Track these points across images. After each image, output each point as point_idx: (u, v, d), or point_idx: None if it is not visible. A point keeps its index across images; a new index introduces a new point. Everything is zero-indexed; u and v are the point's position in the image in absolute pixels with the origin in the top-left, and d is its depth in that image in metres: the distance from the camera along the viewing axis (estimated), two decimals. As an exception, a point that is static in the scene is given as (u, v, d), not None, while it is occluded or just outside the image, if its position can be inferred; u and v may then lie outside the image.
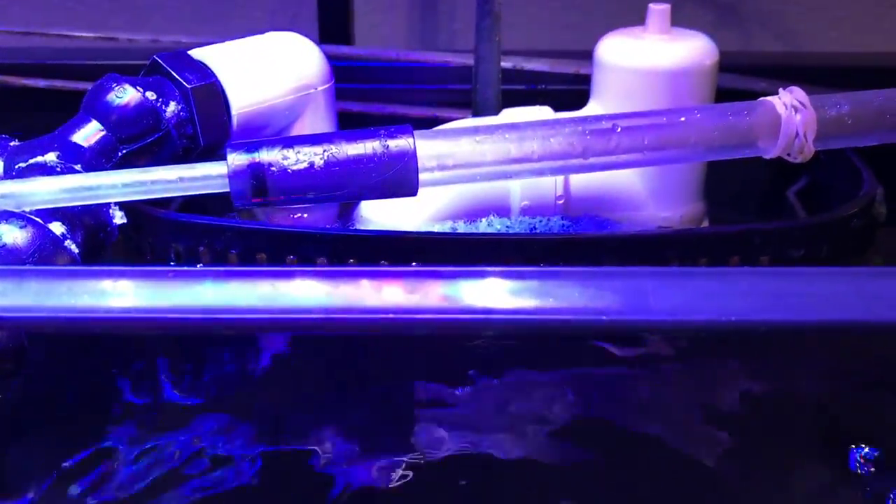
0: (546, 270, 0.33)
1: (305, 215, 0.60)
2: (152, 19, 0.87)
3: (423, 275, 0.33)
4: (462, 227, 0.57)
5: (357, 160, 0.45)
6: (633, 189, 0.59)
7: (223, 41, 0.60)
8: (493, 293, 0.33)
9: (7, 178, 0.48)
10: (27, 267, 0.40)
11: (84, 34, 0.72)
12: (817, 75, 0.80)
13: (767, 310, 0.30)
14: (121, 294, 0.34)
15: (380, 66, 0.73)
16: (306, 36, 0.62)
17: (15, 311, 0.34)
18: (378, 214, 0.59)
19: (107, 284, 0.35)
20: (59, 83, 0.72)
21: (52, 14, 0.85)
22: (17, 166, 0.48)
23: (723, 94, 0.64)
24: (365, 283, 0.32)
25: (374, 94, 0.73)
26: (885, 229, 0.63)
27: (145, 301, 0.33)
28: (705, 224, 0.63)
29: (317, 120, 0.60)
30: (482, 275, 0.33)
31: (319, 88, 0.59)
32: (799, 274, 0.31)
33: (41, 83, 0.73)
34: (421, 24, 0.94)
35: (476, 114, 0.67)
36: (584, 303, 0.32)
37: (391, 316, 0.32)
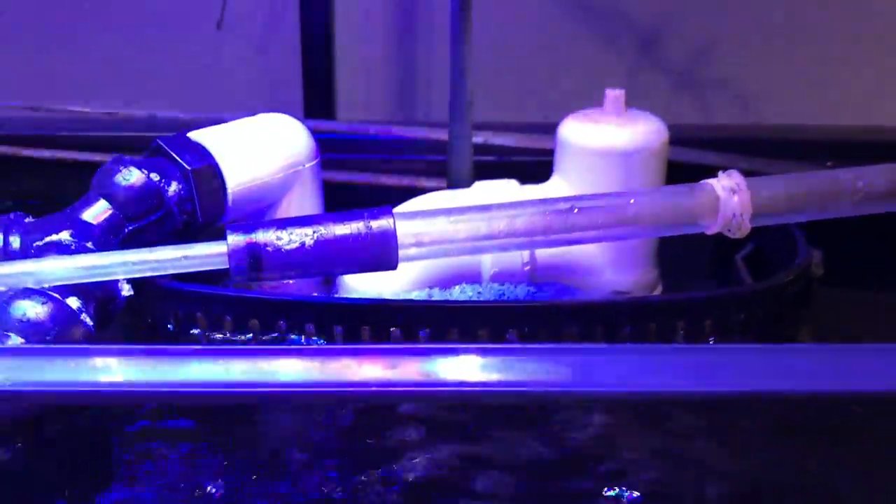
0: (509, 348, 0.39)
1: (292, 281, 0.66)
2: (147, 92, 0.93)
3: (401, 352, 0.38)
4: (437, 294, 0.63)
5: (343, 239, 0.51)
6: (593, 258, 0.65)
7: (217, 114, 0.66)
8: (464, 369, 0.38)
9: (26, 256, 0.53)
10: (51, 346, 0.46)
11: (85, 109, 0.77)
12: (768, 146, 0.87)
13: (691, 383, 0.35)
14: (116, 372, 0.39)
15: (362, 138, 0.79)
16: (292, 103, 0.68)
17: (41, 387, 0.39)
18: (360, 283, 0.64)
19: (112, 362, 0.40)
20: (62, 154, 0.77)
21: (57, 88, 0.90)
22: (34, 244, 0.53)
23: (675, 167, 0.70)
24: (347, 361, 0.38)
25: (357, 164, 0.78)
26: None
27: (146, 377, 0.38)
28: (659, 288, 0.69)
29: (305, 193, 0.66)
30: (455, 352, 0.39)
31: (307, 165, 0.65)
32: (719, 350, 0.37)
33: (45, 154, 0.78)
34: (400, 93, 1.00)
35: (451, 184, 0.73)
36: (541, 377, 0.37)
37: (373, 389, 0.37)
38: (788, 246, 0.69)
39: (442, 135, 0.75)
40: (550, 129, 0.70)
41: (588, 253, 0.65)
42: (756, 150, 0.85)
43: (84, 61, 0.98)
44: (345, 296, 0.66)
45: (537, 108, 0.91)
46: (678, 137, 0.76)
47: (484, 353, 0.38)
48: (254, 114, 0.66)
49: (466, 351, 0.39)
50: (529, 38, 1.02)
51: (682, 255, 0.73)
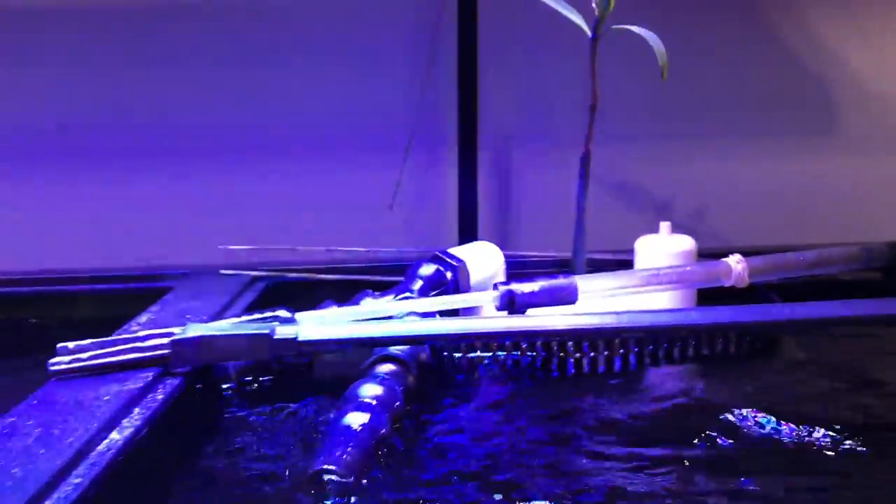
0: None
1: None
2: (352, 238, 1.46)
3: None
4: (584, 329, 1.15)
5: (554, 288, 1.04)
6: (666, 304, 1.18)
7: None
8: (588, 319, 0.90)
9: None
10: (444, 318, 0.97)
11: (322, 248, 1.31)
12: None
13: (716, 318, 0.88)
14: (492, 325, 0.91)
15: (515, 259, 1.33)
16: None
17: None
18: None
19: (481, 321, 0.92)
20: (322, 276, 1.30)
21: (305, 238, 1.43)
22: (396, 298, 1.05)
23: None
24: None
25: (514, 273, 1.32)
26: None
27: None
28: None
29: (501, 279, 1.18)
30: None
31: (502, 267, 1.19)
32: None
33: (315, 277, 1.31)
34: (506, 226, 1.55)
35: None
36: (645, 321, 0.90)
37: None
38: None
39: (559, 254, 1.30)
40: (629, 250, 1.25)
41: (665, 301, 1.18)
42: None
43: (304, 226, 1.52)
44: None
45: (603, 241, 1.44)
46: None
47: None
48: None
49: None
50: (598, 205, 1.58)
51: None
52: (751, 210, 1.63)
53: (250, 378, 1.04)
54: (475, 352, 1.10)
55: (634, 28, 1.06)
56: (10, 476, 0.63)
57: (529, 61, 1.50)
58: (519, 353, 1.11)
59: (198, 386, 0.94)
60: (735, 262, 1.11)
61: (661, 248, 1.20)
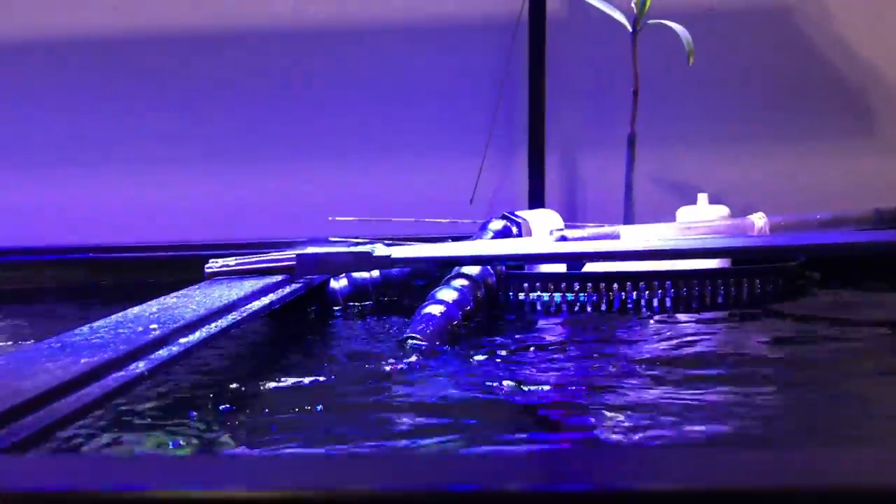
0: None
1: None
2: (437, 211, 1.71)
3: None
4: (630, 277, 1.36)
5: (600, 234, 1.26)
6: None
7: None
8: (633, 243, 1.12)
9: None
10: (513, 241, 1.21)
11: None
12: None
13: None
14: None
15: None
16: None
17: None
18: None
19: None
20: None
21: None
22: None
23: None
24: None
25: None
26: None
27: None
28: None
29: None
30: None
31: (562, 226, 1.41)
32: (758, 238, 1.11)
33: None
34: (573, 199, 1.77)
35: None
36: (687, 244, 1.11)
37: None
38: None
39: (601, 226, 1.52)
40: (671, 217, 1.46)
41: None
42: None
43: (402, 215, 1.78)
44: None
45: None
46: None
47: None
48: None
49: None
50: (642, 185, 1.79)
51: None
52: (789, 208, 1.82)
53: (354, 303, 1.29)
54: (535, 291, 1.33)
55: (667, 22, 1.30)
56: (189, 309, 0.90)
57: (591, 69, 1.75)
58: (572, 294, 1.33)
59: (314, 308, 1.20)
60: (758, 218, 1.31)
61: (699, 215, 1.40)
